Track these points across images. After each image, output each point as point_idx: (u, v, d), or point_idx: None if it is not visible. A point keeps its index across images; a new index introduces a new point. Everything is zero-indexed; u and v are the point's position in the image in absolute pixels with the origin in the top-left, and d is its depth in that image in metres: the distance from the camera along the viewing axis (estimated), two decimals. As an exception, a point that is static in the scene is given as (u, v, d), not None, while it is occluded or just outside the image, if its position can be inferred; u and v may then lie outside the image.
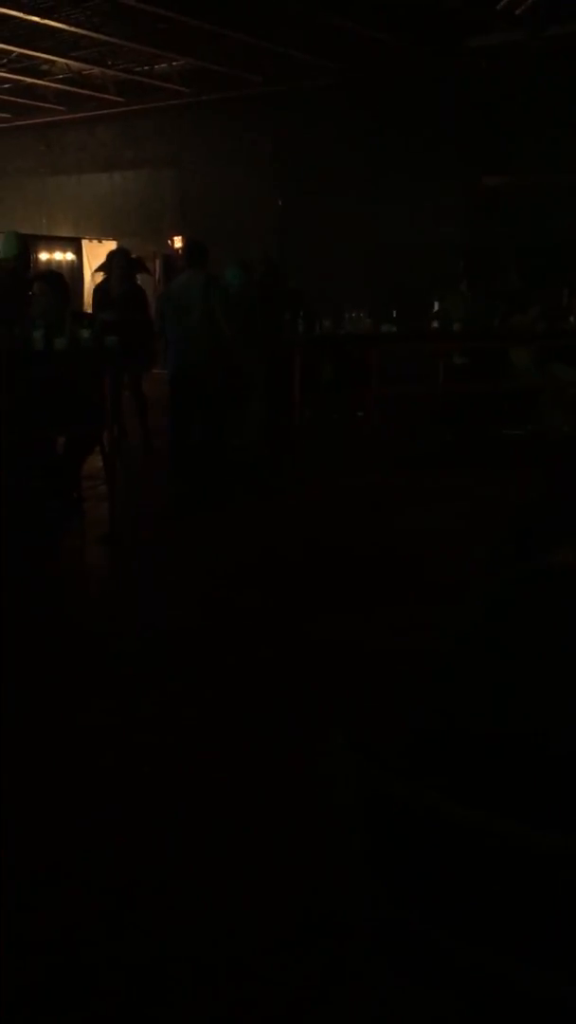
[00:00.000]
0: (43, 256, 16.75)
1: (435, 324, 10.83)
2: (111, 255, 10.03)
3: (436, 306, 11.01)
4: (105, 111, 17.84)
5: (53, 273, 8.74)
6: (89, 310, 10.57)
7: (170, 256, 16.54)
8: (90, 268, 15.96)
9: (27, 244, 10.11)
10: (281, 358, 8.98)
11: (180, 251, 15.23)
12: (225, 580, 5.66)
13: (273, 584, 5.55)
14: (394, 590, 5.35)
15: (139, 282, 10.22)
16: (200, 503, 7.57)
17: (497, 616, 3.43)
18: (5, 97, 17.65)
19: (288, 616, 4.99)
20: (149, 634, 4.80)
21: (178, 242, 16.43)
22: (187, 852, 2.85)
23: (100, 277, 10.23)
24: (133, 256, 10.42)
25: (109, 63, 15.70)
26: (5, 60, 15.51)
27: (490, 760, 2.66)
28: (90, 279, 15.02)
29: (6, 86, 17.12)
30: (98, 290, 9.93)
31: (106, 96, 17.18)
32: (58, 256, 17.38)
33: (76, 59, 15.40)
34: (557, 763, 2.62)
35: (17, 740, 3.54)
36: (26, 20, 13.24)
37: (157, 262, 16.35)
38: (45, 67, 16.02)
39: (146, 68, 15.97)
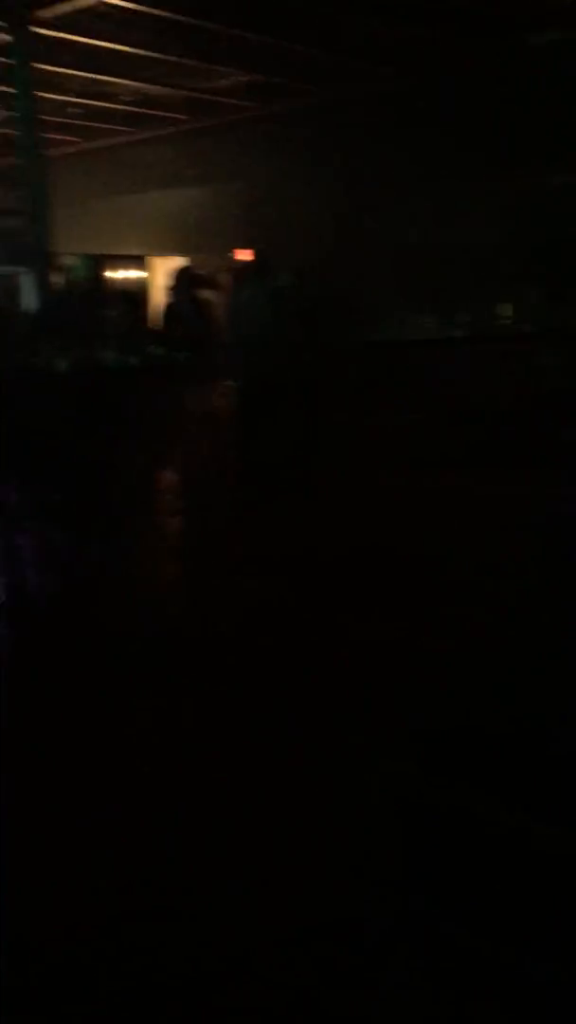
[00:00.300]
0: (113, 275, 16.98)
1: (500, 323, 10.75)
2: (175, 273, 10.17)
3: (499, 309, 10.91)
4: (170, 129, 18.10)
5: (126, 292, 8.94)
6: (156, 327, 10.70)
7: (236, 269, 16.63)
8: (158, 285, 16.14)
9: (99, 265, 10.34)
10: (336, 363, 8.99)
11: (246, 264, 15.32)
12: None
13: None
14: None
15: (205, 297, 10.32)
16: (266, 507, 7.60)
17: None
18: (75, 122, 18.02)
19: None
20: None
21: (244, 255, 16.51)
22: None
23: (168, 295, 10.37)
24: (199, 272, 10.55)
25: (174, 82, 15.93)
26: (75, 85, 15.86)
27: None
28: (159, 296, 15.19)
29: (77, 111, 17.48)
30: (165, 308, 10.06)
31: (171, 115, 17.42)
32: (128, 274, 17.60)
33: (141, 80, 15.65)
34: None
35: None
36: (90, 45, 13.54)
37: (224, 276, 16.45)
38: (112, 90, 16.33)
39: (209, 85, 16.16)
